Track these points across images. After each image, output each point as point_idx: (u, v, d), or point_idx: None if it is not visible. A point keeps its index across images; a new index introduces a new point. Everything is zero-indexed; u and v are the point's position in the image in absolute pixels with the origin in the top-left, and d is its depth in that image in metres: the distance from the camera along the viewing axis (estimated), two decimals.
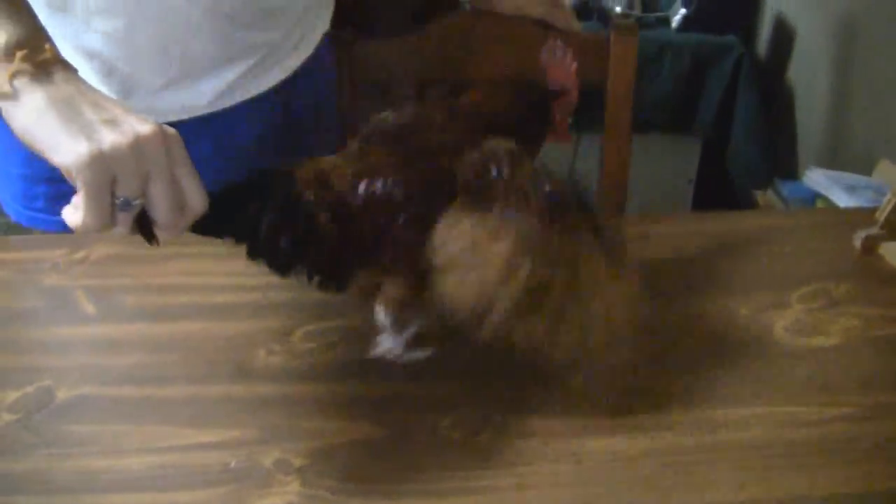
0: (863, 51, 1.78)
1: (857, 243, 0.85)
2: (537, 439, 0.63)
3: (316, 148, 1.01)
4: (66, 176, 0.55)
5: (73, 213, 0.55)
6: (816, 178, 1.66)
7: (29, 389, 0.67)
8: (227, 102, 0.91)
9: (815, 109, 1.97)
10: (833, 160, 1.83)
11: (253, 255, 0.63)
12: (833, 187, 1.60)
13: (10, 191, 0.95)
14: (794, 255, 0.85)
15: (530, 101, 0.76)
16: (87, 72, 0.84)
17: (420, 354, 0.69)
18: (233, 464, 0.61)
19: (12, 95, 0.55)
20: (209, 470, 0.60)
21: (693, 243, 0.88)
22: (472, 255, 0.60)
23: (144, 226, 0.56)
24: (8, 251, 0.86)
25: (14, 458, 0.61)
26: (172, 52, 0.84)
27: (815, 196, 1.64)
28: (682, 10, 2.04)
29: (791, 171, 2.00)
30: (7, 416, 0.65)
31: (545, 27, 1.10)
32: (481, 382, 0.68)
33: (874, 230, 0.84)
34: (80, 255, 0.84)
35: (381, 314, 0.68)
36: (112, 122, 0.55)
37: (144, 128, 0.55)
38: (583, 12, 2.05)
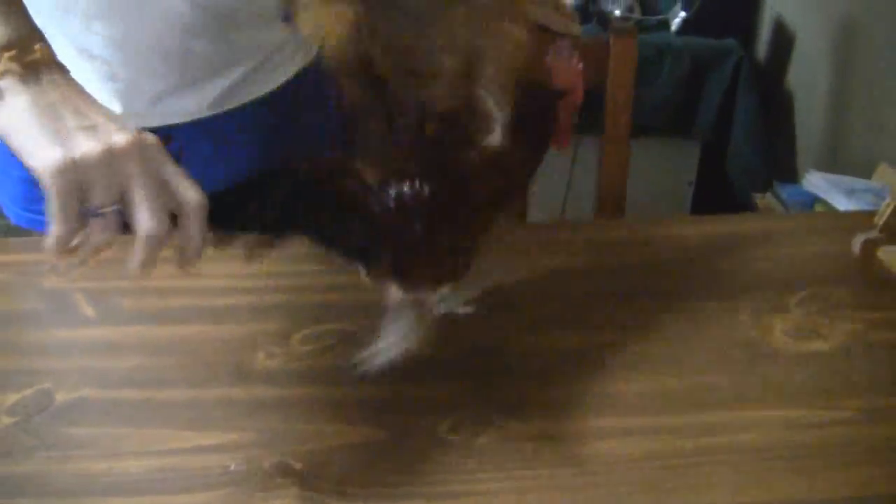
0: (862, 54, 1.78)
1: (856, 247, 0.85)
2: (537, 442, 0.63)
3: (317, 151, 1.02)
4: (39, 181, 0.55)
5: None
6: (815, 182, 1.66)
7: (28, 392, 0.67)
8: (229, 105, 0.91)
9: (815, 113, 1.98)
10: (832, 164, 1.83)
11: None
12: (832, 191, 1.60)
13: (9, 193, 0.95)
14: (793, 259, 0.85)
15: (536, 102, 0.76)
16: (88, 74, 0.84)
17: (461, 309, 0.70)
18: (232, 467, 0.61)
19: None
20: (208, 473, 0.60)
21: (692, 246, 0.88)
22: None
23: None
24: (7, 253, 0.86)
25: (13, 461, 0.61)
26: (173, 55, 0.84)
27: (815, 199, 1.64)
28: (682, 14, 2.04)
29: (790, 175, 2.00)
30: (6, 419, 0.65)
31: (544, 30, 1.10)
32: (481, 385, 0.68)
33: (873, 234, 0.84)
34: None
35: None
36: (90, 130, 0.55)
37: (120, 137, 0.55)
38: (582, 15, 2.05)
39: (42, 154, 0.53)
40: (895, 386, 0.69)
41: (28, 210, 0.95)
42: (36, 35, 0.59)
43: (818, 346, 0.73)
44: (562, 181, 1.94)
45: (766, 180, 1.87)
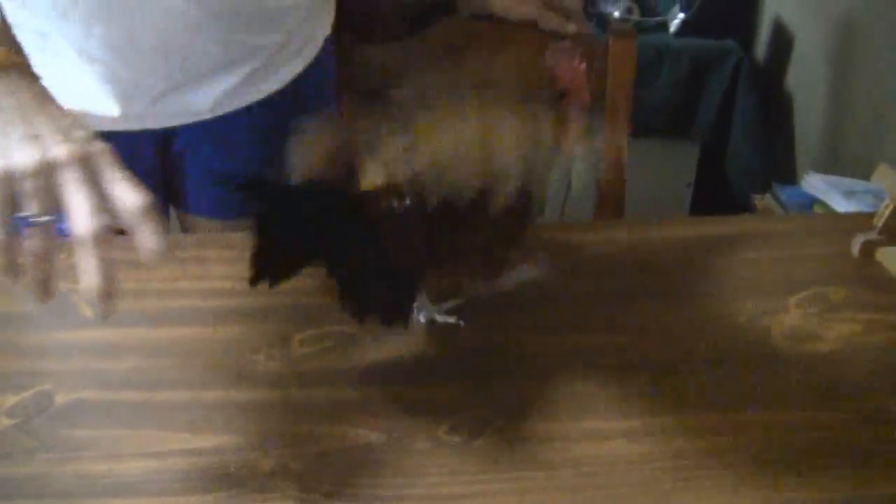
0: (861, 55, 1.78)
1: (856, 248, 0.85)
2: (537, 444, 0.63)
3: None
4: None
5: None
6: (814, 183, 1.66)
7: (28, 394, 0.67)
8: (230, 107, 0.91)
9: (814, 114, 1.98)
10: (831, 165, 1.83)
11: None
12: (831, 192, 1.60)
13: None
14: (792, 260, 0.85)
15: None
16: (88, 76, 0.84)
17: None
18: (231, 468, 0.61)
19: None
20: (208, 475, 0.60)
21: (692, 247, 0.88)
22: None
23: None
24: None
25: (13, 463, 0.61)
26: (174, 55, 0.84)
27: (814, 201, 1.64)
28: (681, 15, 2.04)
29: (789, 176, 2.00)
30: (6, 421, 0.65)
31: (540, 30, 1.11)
32: (480, 387, 0.68)
33: (872, 235, 0.84)
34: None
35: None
36: (32, 139, 0.55)
37: (61, 148, 0.55)
38: None
39: None
40: (895, 386, 0.69)
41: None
42: (4, 38, 0.59)
43: (817, 346, 0.73)
44: (562, 181, 1.94)
45: (766, 181, 1.87)
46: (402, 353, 0.72)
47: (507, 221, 0.65)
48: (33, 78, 0.60)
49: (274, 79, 0.93)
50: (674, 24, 2.07)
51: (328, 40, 1.00)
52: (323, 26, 0.99)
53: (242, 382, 0.69)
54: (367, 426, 0.65)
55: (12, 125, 0.56)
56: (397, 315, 0.67)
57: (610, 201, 1.17)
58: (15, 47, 0.59)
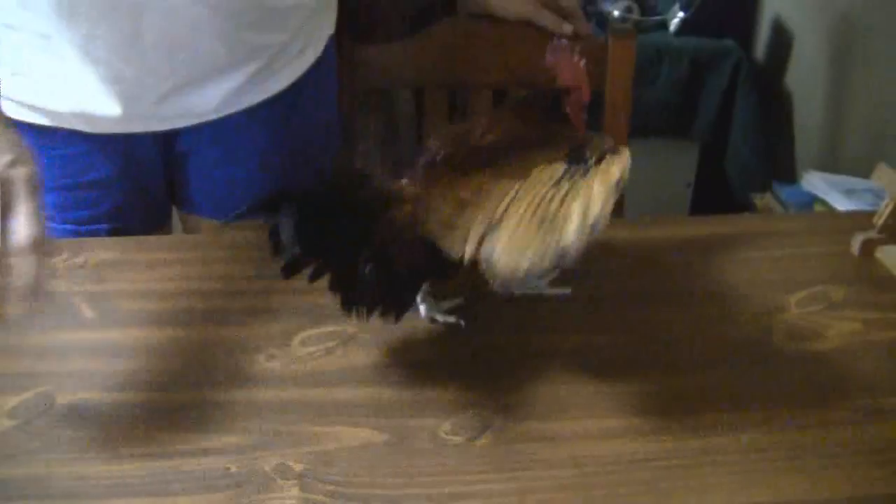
0: (861, 54, 1.78)
1: (856, 247, 0.85)
2: (537, 444, 0.63)
3: (319, 155, 1.02)
4: None
5: None
6: (814, 182, 1.66)
7: (29, 395, 0.67)
8: (234, 108, 0.91)
9: (814, 113, 1.98)
10: (831, 164, 1.83)
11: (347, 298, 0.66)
12: (831, 191, 1.60)
13: None
14: (792, 259, 0.85)
15: (542, 109, 0.76)
16: (92, 79, 0.84)
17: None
18: (232, 469, 0.61)
19: None
20: (209, 475, 0.60)
21: (691, 247, 0.88)
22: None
23: None
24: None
25: (14, 464, 0.61)
26: (178, 55, 0.84)
27: (814, 199, 1.64)
28: (680, 14, 2.04)
29: (789, 175, 2.00)
30: (7, 422, 0.65)
31: (537, 30, 1.11)
32: (481, 387, 0.68)
33: (872, 234, 0.84)
34: (79, 259, 0.84)
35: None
36: None
37: None
38: None
39: None
40: (895, 386, 0.69)
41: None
42: None
43: (818, 345, 0.73)
44: None
45: (766, 181, 1.87)
46: (402, 353, 0.72)
47: None
48: None
49: (277, 79, 0.93)
50: (673, 24, 2.06)
51: (330, 40, 1.00)
52: (326, 26, 0.99)
53: (243, 383, 0.69)
54: (367, 426, 0.65)
55: None
56: (399, 309, 0.67)
57: None
58: None
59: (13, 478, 0.60)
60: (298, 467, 0.61)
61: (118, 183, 0.94)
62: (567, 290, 0.79)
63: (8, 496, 0.59)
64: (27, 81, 0.85)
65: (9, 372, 0.70)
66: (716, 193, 2.14)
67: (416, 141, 1.28)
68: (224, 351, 0.72)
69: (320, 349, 0.73)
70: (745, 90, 2.02)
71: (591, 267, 0.83)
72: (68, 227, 0.94)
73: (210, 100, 0.89)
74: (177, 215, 1.07)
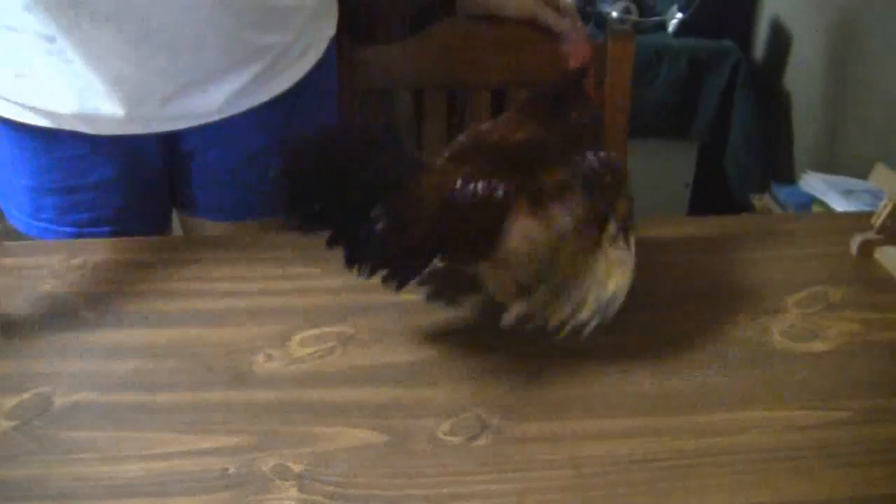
0: (859, 55, 1.78)
1: (854, 247, 0.85)
2: (536, 444, 0.63)
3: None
4: None
5: None
6: (813, 183, 1.66)
7: (27, 396, 0.67)
8: (237, 109, 0.91)
9: (812, 113, 1.98)
10: (830, 164, 1.84)
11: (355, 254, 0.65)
12: (829, 191, 1.60)
13: (16, 202, 0.95)
14: (791, 260, 0.85)
15: (571, 93, 0.77)
16: (97, 80, 0.84)
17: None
18: (231, 470, 0.61)
19: None
20: (207, 476, 0.60)
21: (689, 247, 0.88)
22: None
23: None
24: (6, 257, 0.86)
25: (12, 465, 0.61)
26: (183, 56, 0.84)
27: (812, 200, 1.64)
28: (679, 15, 2.05)
29: (787, 176, 2.00)
30: (5, 423, 0.65)
31: (537, 30, 1.11)
32: (480, 387, 0.68)
33: (871, 234, 0.84)
34: (78, 261, 0.84)
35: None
36: None
37: None
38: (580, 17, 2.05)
39: None
40: (894, 386, 0.69)
41: (36, 218, 0.95)
42: None
43: (817, 346, 0.73)
44: None
45: (764, 181, 1.87)
46: (400, 353, 0.72)
47: None
48: None
49: (280, 80, 0.93)
50: (672, 25, 2.07)
51: (331, 42, 1.00)
52: (327, 27, 0.99)
53: (241, 383, 0.69)
54: (367, 426, 0.65)
55: None
56: (402, 277, 0.67)
57: None
58: None
59: (11, 479, 0.60)
60: (297, 468, 0.61)
61: (120, 185, 0.94)
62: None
63: (7, 497, 0.59)
64: (29, 83, 0.85)
65: (7, 372, 0.70)
66: (714, 194, 2.14)
67: (415, 141, 1.28)
68: (222, 351, 0.72)
69: (319, 350, 0.73)
70: (744, 91, 2.02)
71: None
72: (69, 229, 0.94)
73: (213, 101, 0.89)
74: (177, 220, 1.07)
